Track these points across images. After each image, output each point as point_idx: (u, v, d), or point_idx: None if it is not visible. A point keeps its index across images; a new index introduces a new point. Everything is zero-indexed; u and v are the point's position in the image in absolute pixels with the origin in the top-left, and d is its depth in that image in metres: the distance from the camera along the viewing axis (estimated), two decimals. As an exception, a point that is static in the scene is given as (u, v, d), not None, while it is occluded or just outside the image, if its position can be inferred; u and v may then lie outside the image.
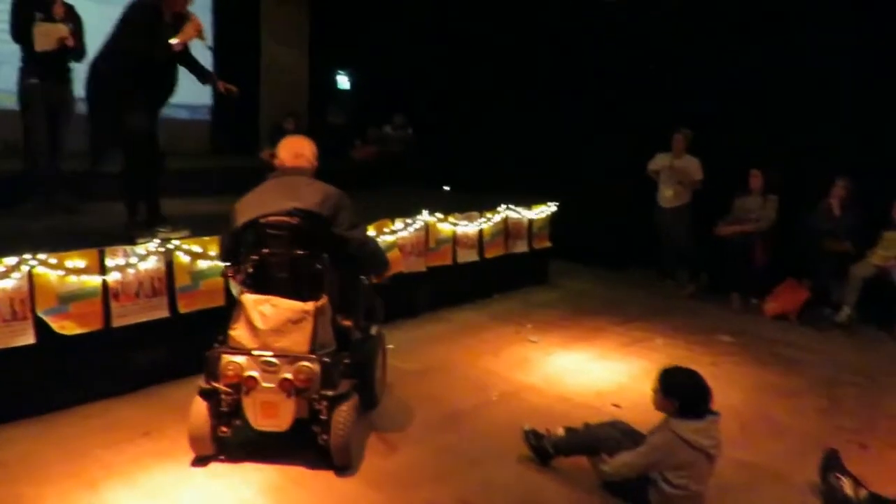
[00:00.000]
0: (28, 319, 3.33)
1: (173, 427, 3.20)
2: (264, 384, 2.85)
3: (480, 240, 5.90)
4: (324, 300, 2.98)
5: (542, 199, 6.60)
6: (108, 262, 3.61)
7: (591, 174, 7.13)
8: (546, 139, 7.55)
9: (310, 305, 2.93)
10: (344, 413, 2.91)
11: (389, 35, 8.66)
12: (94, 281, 3.56)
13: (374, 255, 3.27)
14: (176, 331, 3.82)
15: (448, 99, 8.37)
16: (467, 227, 5.76)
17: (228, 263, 3.24)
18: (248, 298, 2.97)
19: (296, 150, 3.23)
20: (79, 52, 4.91)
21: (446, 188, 7.55)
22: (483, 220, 5.91)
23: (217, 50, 4.18)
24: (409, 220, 5.25)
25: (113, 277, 3.62)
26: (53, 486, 2.80)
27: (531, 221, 6.45)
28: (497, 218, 6.05)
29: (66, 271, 3.45)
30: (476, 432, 3.47)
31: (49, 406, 3.40)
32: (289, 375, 2.84)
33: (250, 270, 3.06)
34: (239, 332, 2.94)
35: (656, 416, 2.84)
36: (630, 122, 6.93)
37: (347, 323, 3.19)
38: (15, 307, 3.29)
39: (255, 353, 2.88)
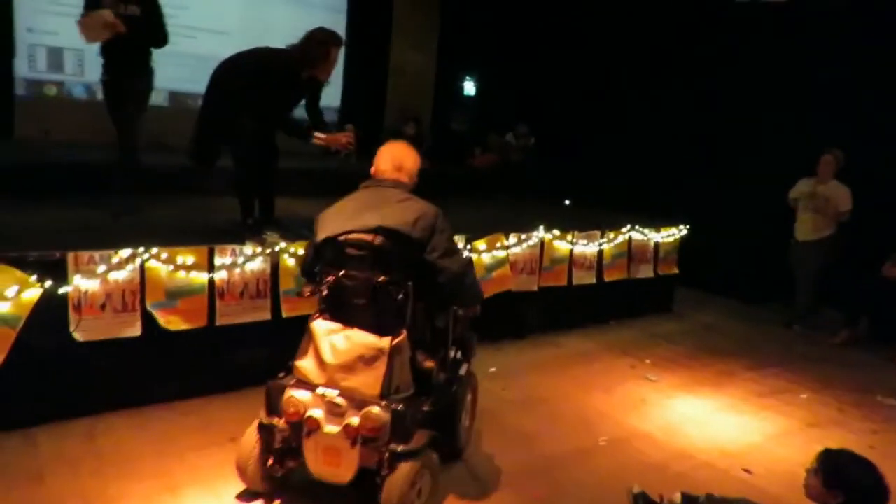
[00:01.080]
0: (137, 312, 3.39)
1: (260, 436, 3.11)
2: (327, 427, 2.50)
3: (600, 261, 5.46)
4: (402, 336, 2.58)
5: (672, 221, 6.03)
6: (217, 261, 3.63)
7: (727, 195, 6.45)
8: (678, 155, 6.93)
9: (385, 342, 2.54)
10: (405, 472, 2.47)
11: (517, 43, 8.41)
12: (202, 278, 3.58)
13: (469, 290, 2.84)
14: (275, 334, 3.76)
15: (574, 109, 7.95)
16: (586, 246, 5.35)
17: (307, 280, 2.91)
18: (320, 327, 2.63)
19: (394, 159, 2.83)
20: (155, 38, 4.30)
21: (567, 202, 7.17)
22: (604, 240, 5.47)
23: (347, 50, 4.01)
24: (523, 236, 4.94)
25: (220, 276, 3.63)
26: (138, 484, 2.79)
27: (657, 245, 5.91)
28: (620, 239, 5.59)
29: (175, 267, 3.49)
30: (576, 483, 3.10)
31: (148, 399, 3.44)
32: (354, 421, 2.46)
33: (325, 293, 2.67)
34: (305, 364, 2.61)
35: (798, 494, 2.37)
36: (776, 142, 6.18)
37: (430, 364, 2.77)
38: (126, 299, 3.37)
39: (321, 390, 2.54)
